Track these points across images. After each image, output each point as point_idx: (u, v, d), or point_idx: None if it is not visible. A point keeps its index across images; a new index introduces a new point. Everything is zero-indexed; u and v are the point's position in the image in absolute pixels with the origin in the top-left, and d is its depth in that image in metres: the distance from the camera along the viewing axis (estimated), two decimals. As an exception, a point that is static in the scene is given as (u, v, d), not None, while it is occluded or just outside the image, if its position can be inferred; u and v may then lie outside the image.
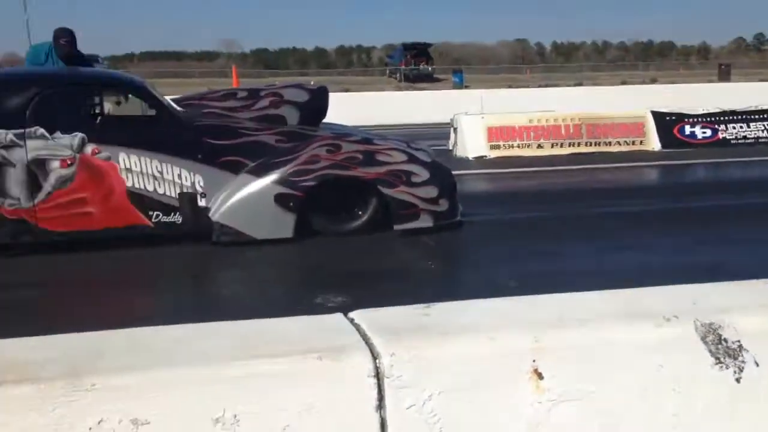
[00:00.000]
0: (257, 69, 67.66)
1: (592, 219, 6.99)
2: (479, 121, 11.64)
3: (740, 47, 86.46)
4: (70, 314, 4.39)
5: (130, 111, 5.94)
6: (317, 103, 6.46)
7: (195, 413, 1.63)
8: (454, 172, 6.60)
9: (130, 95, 5.87)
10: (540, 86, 32.94)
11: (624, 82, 34.81)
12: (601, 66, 57.12)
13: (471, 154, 11.39)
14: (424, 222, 6.19)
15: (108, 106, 6.19)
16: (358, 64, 79.76)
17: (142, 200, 5.68)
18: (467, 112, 12.12)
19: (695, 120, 12.04)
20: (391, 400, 1.73)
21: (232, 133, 5.94)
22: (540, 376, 1.81)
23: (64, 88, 5.68)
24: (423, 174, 6.14)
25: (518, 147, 11.60)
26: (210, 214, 5.82)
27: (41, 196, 5.44)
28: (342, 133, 6.35)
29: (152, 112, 5.78)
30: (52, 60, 6.73)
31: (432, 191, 6.16)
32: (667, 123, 11.98)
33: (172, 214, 5.77)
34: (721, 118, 12.08)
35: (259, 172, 5.88)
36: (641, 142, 11.90)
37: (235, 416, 1.64)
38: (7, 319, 4.17)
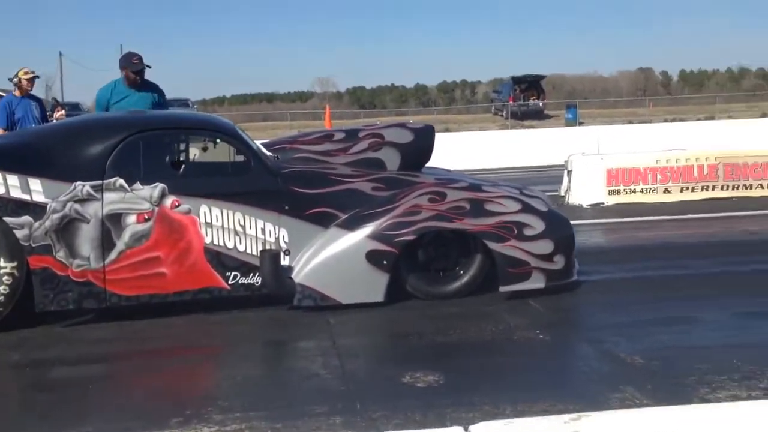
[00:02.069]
0: (353, 109, 69.06)
1: (729, 278, 6.48)
2: (597, 162, 11.22)
3: None
4: (127, 401, 4.28)
5: (217, 157, 5.94)
6: (422, 144, 6.32)
7: None
8: (567, 223, 6.27)
9: (218, 140, 5.87)
10: (665, 120, 31.98)
11: (764, 114, 33.26)
12: (737, 97, 54.88)
13: (586, 201, 10.97)
14: (536, 282, 5.86)
15: (194, 152, 6.25)
16: (462, 101, 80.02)
17: (220, 259, 5.61)
18: (584, 153, 11.73)
19: None
20: None
21: (324, 180, 5.85)
22: None
23: (149, 133, 5.69)
24: (538, 226, 5.84)
25: (641, 192, 11.10)
26: (293, 275, 5.71)
27: (113, 255, 5.44)
28: (447, 178, 6.16)
29: (240, 158, 5.76)
30: (118, 95, 6.91)
31: (547, 246, 5.85)
32: (821, 162, 11.18)
33: (251, 274, 5.69)
34: None
35: (352, 225, 5.73)
36: (790, 185, 11.14)
37: None
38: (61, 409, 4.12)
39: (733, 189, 11.11)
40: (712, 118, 33.26)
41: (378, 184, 5.92)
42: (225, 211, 5.61)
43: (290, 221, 5.73)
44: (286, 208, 5.71)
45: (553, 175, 13.02)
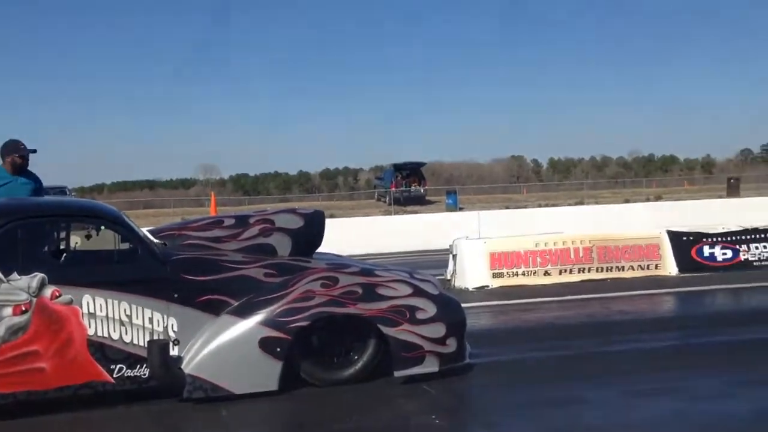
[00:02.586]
0: (237, 196, 68.60)
1: (612, 357, 6.71)
2: (480, 246, 11.50)
3: (746, 159, 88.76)
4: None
5: (102, 245, 5.70)
6: (312, 229, 6.30)
7: None
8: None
9: (102, 227, 5.64)
10: (539, 205, 33.37)
11: (627, 200, 35.30)
12: (601, 183, 58.17)
13: (471, 285, 11.16)
14: (430, 366, 5.86)
15: (75, 241, 5.97)
16: (345, 188, 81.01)
17: (104, 351, 5.33)
18: (467, 237, 12.00)
19: (715, 240, 11.96)
20: None
21: (215, 266, 5.70)
22: None
23: (29, 221, 5.41)
24: (430, 309, 5.88)
25: (523, 275, 11.41)
26: (183, 365, 5.47)
27: (-13, 350, 5.08)
28: (339, 263, 6.14)
29: (125, 246, 5.55)
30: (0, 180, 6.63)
31: (439, 329, 5.88)
32: (684, 244, 11.88)
33: (138, 366, 5.42)
34: (743, 237, 12.00)
35: (244, 312, 5.59)
36: (656, 266, 11.75)
37: None
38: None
39: (607, 271, 11.59)
40: (582, 203, 35.02)
41: (270, 270, 5.83)
42: (110, 301, 5.36)
43: (179, 309, 5.53)
44: (175, 296, 5.52)
45: (438, 258, 13.20)
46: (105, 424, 5.27)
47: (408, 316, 5.81)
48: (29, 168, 6.87)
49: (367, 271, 5.99)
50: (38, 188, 6.88)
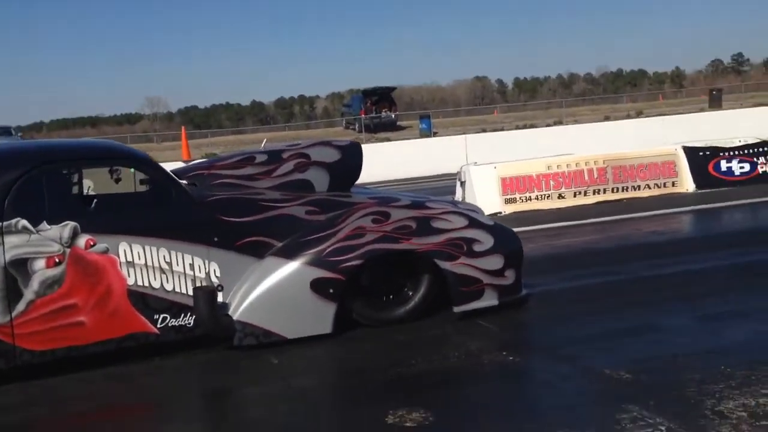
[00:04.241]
0: (188, 130, 67.25)
1: (668, 280, 6.68)
2: (491, 171, 11.40)
3: (717, 69, 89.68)
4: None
5: (126, 189, 5.44)
6: (349, 162, 6.12)
7: None
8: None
9: (131, 169, 5.37)
10: (517, 127, 33.34)
11: (607, 117, 35.43)
12: (570, 101, 58.31)
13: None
14: (489, 300, 5.79)
15: (87, 184, 5.69)
16: (301, 117, 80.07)
17: (145, 301, 5.15)
18: (476, 162, 11.89)
19: (732, 154, 12.02)
20: None
21: (253, 207, 5.50)
22: None
23: (53, 166, 5.15)
24: (486, 240, 5.77)
25: (537, 199, 11.39)
26: (230, 311, 5.31)
27: (21, 306, 4.85)
28: (385, 197, 5.97)
29: (154, 189, 5.30)
30: None
31: (497, 261, 5.79)
32: (700, 159, 11.93)
33: (183, 315, 5.25)
34: (761, 150, 12.07)
35: (290, 253, 5.42)
36: (673, 184, 11.80)
37: None
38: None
39: (622, 191, 11.61)
40: (560, 123, 35.09)
41: (312, 208, 5.65)
42: (148, 248, 5.15)
43: (220, 253, 5.35)
44: (215, 239, 5.33)
45: (438, 186, 13.10)
46: (150, 377, 5.13)
47: (465, 248, 5.70)
48: None
49: (418, 204, 5.84)
50: None
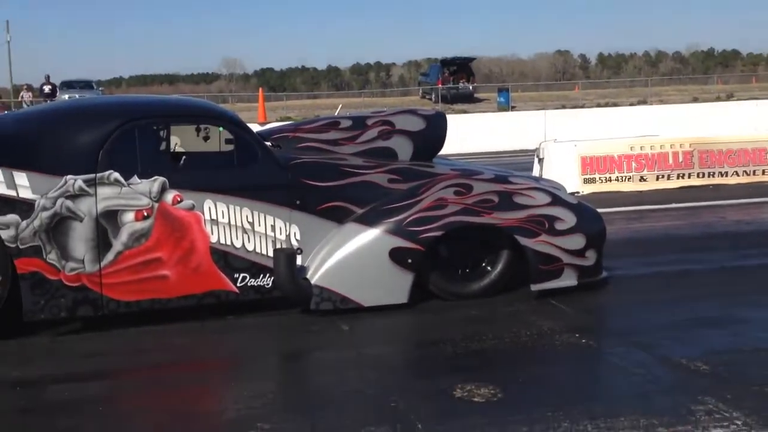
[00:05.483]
0: (263, 93, 67.90)
1: (755, 272, 6.56)
2: (571, 149, 11.29)
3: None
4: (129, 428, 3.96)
5: (212, 147, 5.63)
6: (434, 132, 6.19)
7: None
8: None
9: (220, 128, 5.55)
10: (598, 105, 32.74)
11: (695, 99, 34.48)
12: (656, 80, 56.84)
13: (562, 191, 11.02)
14: (568, 280, 5.80)
15: (175, 141, 5.90)
16: (377, 84, 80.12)
17: (227, 259, 5.33)
18: (556, 139, 11.79)
19: (830, 143, 11.64)
20: None
21: (336, 172, 5.62)
22: None
23: (146, 121, 5.36)
24: (569, 219, 5.77)
25: (617, 180, 11.25)
26: (308, 275, 5.46)
27: (109, 257, 5.08)
28: (469, 169, 6.02)
29: (241, 149, 5.46)
30: None
31: (579, 240, 5.79)
32: (794, 147, 11.59)
33: (261, 275, 5.42)
34: None
35: (371, 220, 5.53)
36: (764, 172, 11.50)
37: None
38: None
39: (708, 176, 11.38)
40: (645, 102, 34.30)
41: (394, 176, 5.74)
42: (232, 207, 5.32)
43: (302, 216, 5.49)
44: (297, 202, 5.47)
45: (514, 162, 13.04)
46: (224, 335, 5.33)
47: (547, 226, 5.71)
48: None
49: (501, 178, 5.87)
50: None
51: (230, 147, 5.50)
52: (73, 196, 4.98)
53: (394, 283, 5.52)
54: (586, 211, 5.96)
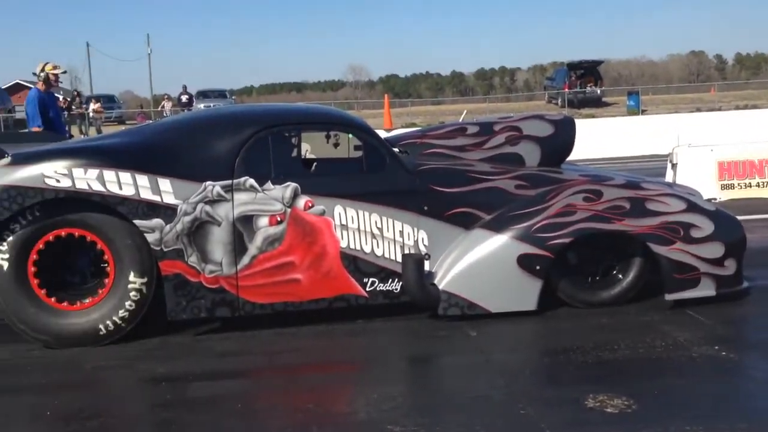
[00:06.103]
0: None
1: None
2: (707, 154, 10.89)
3: None
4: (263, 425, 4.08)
5: (340, 154, 5.79)
6: (563, 137, 6.15)
7: None
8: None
9: (349, 135, 5.70)
10: (737, 107, 31.37)
11: None
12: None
13: (697, 197, 10.64)
14: (706, 289, 5.60)
15: (305, 148, 6.09)
16: (501, 89, 79.56)
17: (356, 264, 5.44)
18: (690, 144, 11.39)
19: None
20: None
21: (463, 178, 5.66)
22: None
23: (278, 129, 5.55)
24: (706, 226, 5.59)
25: (758, 186, 10.76)
26: (436, 281, 5.50)
27: (245, 260, 5.29)
28: (598, 175, 5.94)
29: (369, 155, 5.57)
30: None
31: (717, 249, 5.59)
32: None
33: (390, 280, 5.50)
34: None
35: (499, 226, 5.53)
36: None
37: None
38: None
39: None
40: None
41: (522, 182, 5.71)
42: (361, 213, 5.42)
43: (429, 222, 5.54)
44: (425, 208, 5.52)
45: (646, 168, 12.65)
46: (354, 338, 5.43)
47: (682, 233, 5.54)
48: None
49: (633, 184, 5.74)
50: None
51: (359, 153, 5.62)
52: (212, 202, 5.22)
53: (522, 289, 5.49)
54: (724, 218, 5.75)
